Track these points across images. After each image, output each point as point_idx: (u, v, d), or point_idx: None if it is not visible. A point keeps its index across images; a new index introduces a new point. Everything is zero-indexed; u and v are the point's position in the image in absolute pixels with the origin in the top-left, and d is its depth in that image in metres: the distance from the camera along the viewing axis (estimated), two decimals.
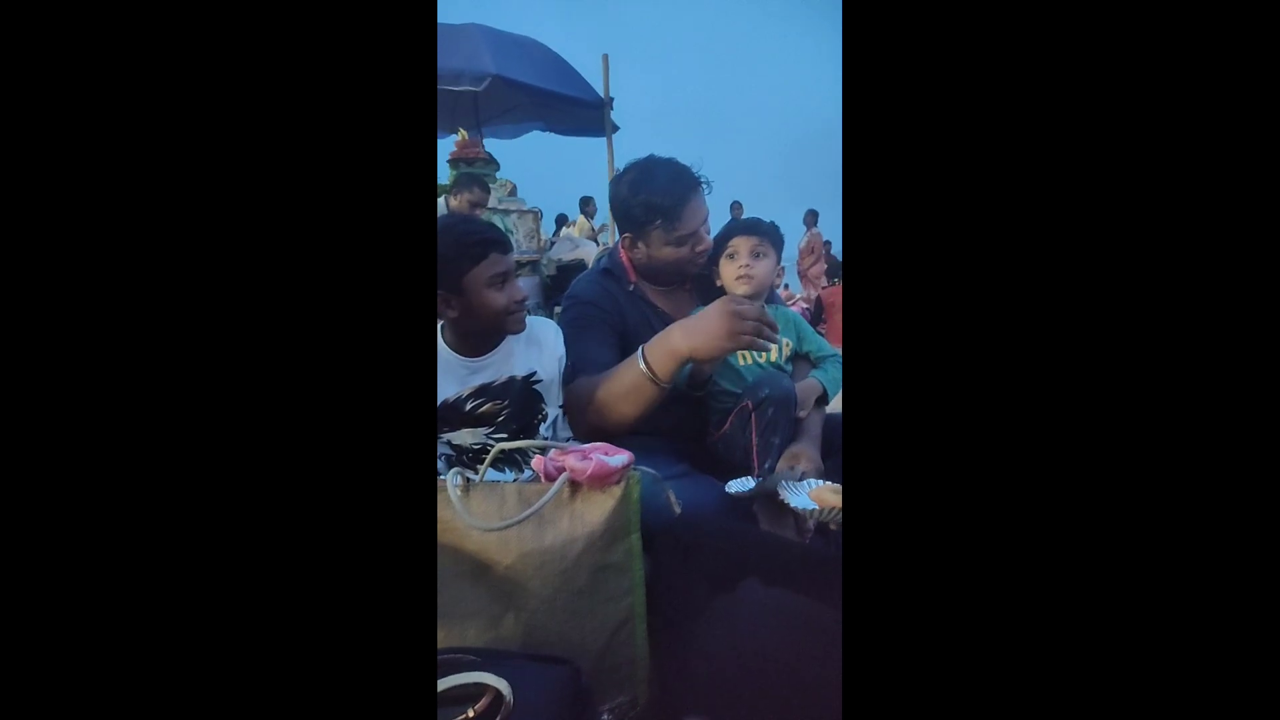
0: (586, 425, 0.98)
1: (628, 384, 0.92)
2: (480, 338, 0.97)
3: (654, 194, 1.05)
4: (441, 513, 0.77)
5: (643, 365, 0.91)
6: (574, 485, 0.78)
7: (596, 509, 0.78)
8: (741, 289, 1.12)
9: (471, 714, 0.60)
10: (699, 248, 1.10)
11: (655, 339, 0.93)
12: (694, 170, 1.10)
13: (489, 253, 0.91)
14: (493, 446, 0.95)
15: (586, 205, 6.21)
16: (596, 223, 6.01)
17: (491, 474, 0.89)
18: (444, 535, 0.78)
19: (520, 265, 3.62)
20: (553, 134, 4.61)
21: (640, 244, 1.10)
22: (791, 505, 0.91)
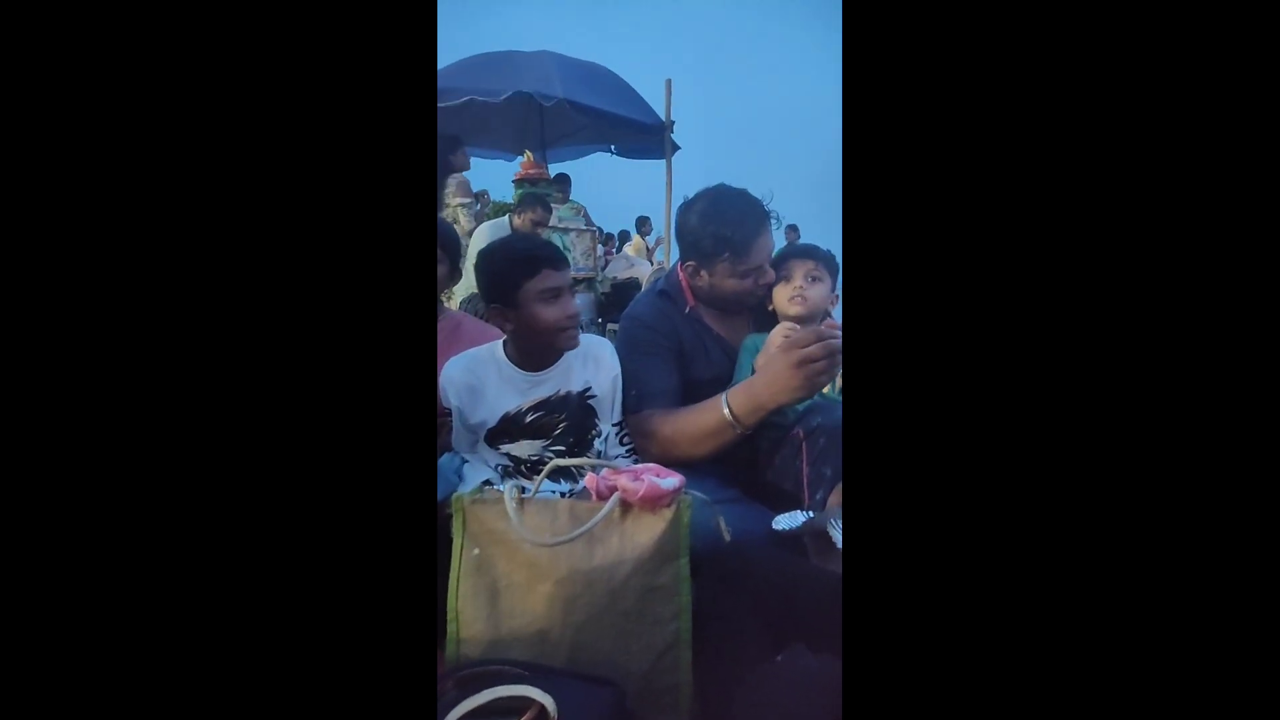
0: (652, 456, 1.00)
1: (710, 428, 0.97)
2: (539, 353, 1.00)
3: (724, 226, 1.06)
4: (497, 524, 0.79)
5: (728, 414, 0.95)
6: (625, 505, 0.79)
7: (646, 530, 0.78)
8: (794, 310, 1.10)
9: None
10: (762, 280, 1.11)
11: (738, 389, 0.97)
12: (764, 204, 1.10)
13: (541, 268, 0.94)
14: (549, 459, 0.97)
15: (642, 225, 6.30)
16: (650, 240, 6.08)
17: (545, 485, 0.91)
18: (498, 545, 0.80)
19: (577, 282, 3.70)
20: (610, 155, 4.72)
21: (704, 273, 1.11)
22: (840, 547, 0.88)
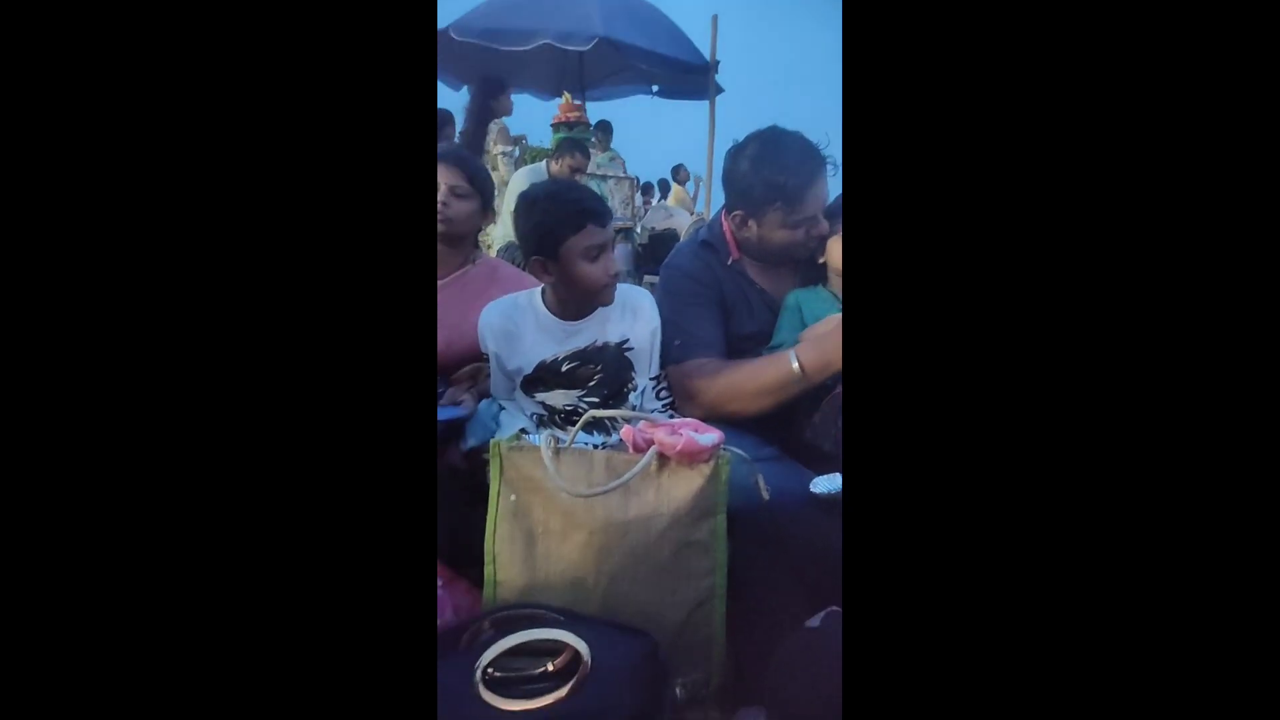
0: (697, 409, 0.98)
1: (774, 382, 0.95)
2: (577, 303, 0.99)
3: (778, 173, 0.99)
4: (534, 471, 0.80)
5: (797, 368, 0.93)
6: (662, 460, 0.78)
7: (683, 486, 0.77)
8: None
9: (551, 668, 0.63)
10: (815, 231, 1.04)
11: (808, 346, 0.95)
12: (821, 149, 1.02)
13: (586, 224, 0.91)
14: (583, 409, 0.97)
15: (678, 172, 6.09)
16: (689, 188, 5.89)
17: (580, 437, 0.91)
18: (535, 493, 0.80)
19: (615, 233, 3.63)
20: (650, 97, 4.54)
21: (752, 222, 1.04)
22: None
